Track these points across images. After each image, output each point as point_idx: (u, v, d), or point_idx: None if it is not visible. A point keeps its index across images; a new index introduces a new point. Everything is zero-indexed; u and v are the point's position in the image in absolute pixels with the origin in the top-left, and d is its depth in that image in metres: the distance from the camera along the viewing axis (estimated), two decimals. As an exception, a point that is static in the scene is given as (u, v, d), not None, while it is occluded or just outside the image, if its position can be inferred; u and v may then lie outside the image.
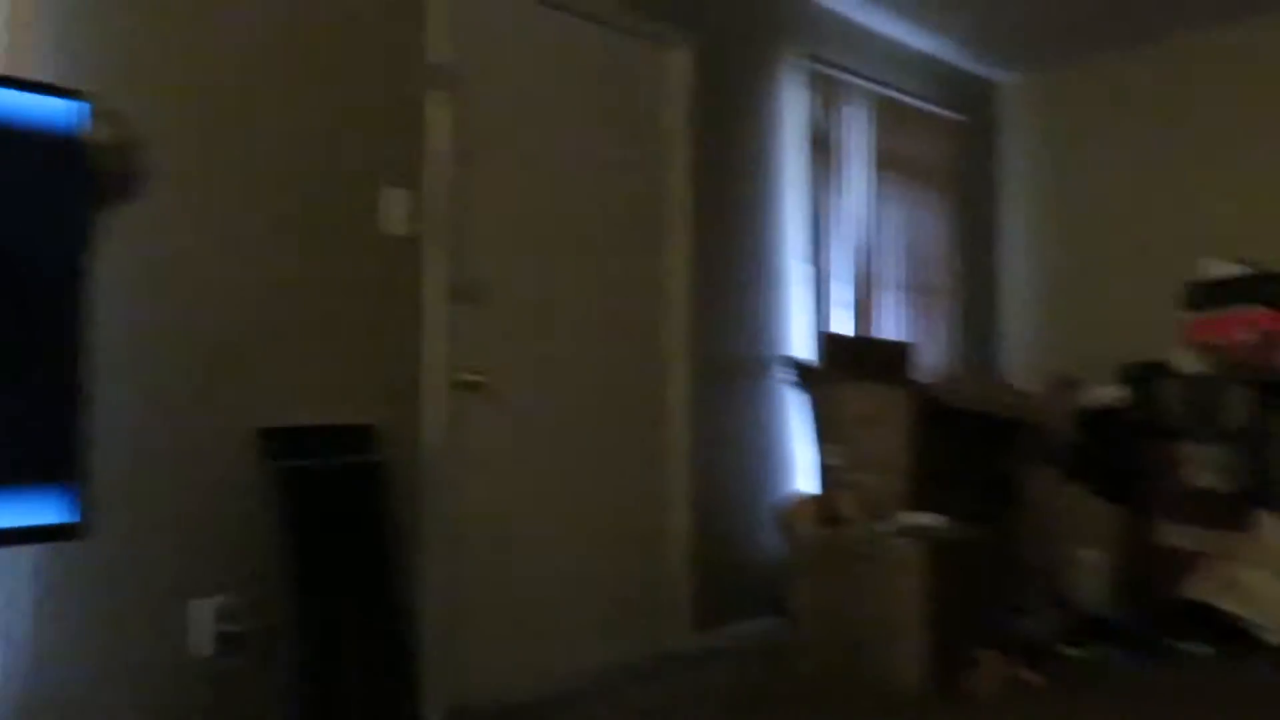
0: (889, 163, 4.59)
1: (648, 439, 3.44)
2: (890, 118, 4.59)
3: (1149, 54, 4.75)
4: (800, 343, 4.06)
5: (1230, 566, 3.40)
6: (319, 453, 2.46)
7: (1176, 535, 3.63)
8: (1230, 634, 3.28)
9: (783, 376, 3.95)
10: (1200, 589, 3.40)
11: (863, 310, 4.41)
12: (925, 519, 3.26)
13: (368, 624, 2.38)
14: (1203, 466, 3.62)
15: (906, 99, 4.65)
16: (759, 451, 3.86)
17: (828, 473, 3.68)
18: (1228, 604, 3.31)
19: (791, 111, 4.07)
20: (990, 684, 2.83)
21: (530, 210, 3.10)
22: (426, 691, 2.68)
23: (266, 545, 2.36)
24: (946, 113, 4.90)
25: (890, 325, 4.56)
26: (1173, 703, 2.72)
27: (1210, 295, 4.07)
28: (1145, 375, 4.19)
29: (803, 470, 3.97)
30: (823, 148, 4.21)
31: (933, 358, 4.78)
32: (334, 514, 2.41)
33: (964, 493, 3.90)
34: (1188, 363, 3.95)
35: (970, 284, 5.03)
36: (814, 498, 3.66)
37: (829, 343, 4.08)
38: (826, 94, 4.23)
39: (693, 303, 3.59)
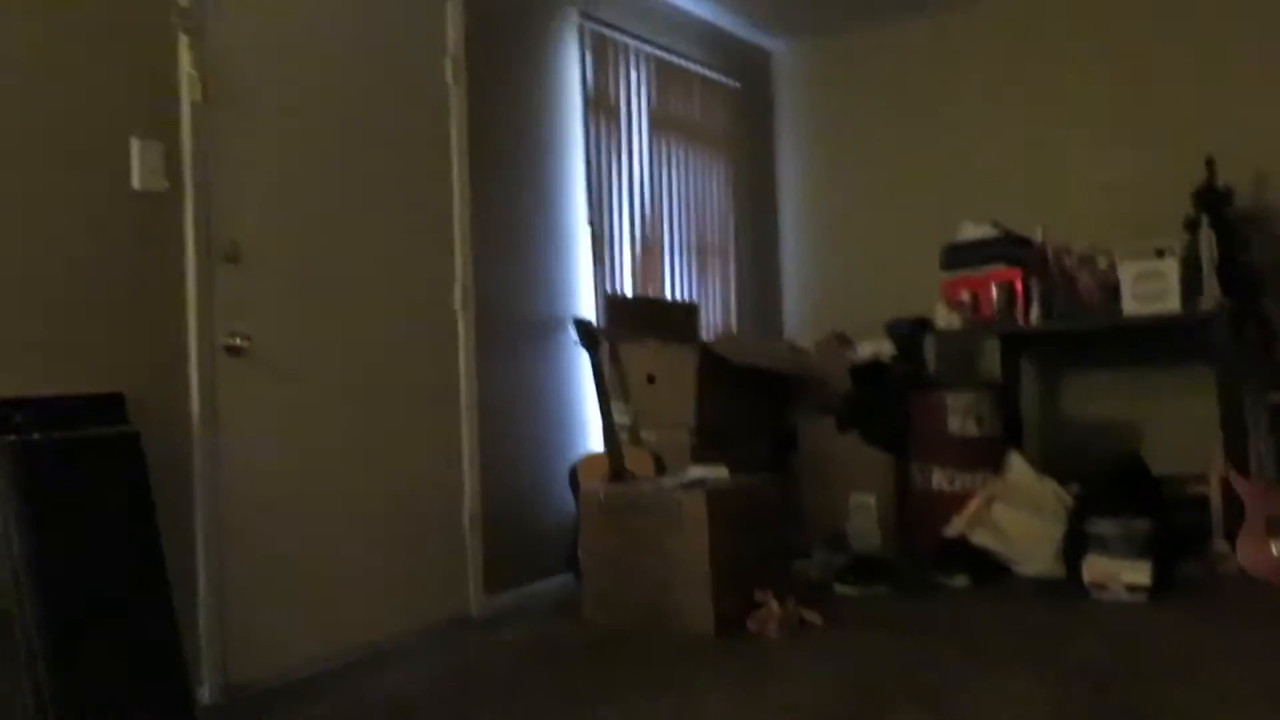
0: (669, 125, 4.63)
1: (433, 403, 3.32)
2: (669, 81, 4.63)
3: (918, 25, 5.02)
4: (586, 303, 4.04)
5: (985, 505, 3.66)
6: (57, 425, 2.21)
7: (940, 478, 3.88)
8: (987, 567, 3.53)
9: (570, 337, 3.92)
10: (959, 527, 3.65)
11: (646, 271, 4.44)
12: (710, 471, 3.33)
13: (120, 605, 2.17)
14: (961, 414, 3.87)
15: (685, 63, 4.70)
16: (548, 412, 3.82)
17: (615, 431, 3.69)
18: (983, 539, 3.57)
19: (568, 69, 4.01)
20: (774, 625, 2.92)
21: (297, 166, 2.89)
22: (202, 671, 2.49)
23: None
24: (724, 78, 5.00)
25: (673, 286, 4.62)
26: (932, 631, 2.90)
27: (964, 256, 4.36)
28: (909, 331, 4.45)
29: (592, 429, 3.96)
30: (602, 108, 4.19)
31: (715, 317, 4.89)
32: (74, 490, 2.17)
33: (747, 445, 4.02)
34: (946, 319, 4.22)
35: (750, 245, 5.18)
36: (603, 455, 3.66)
37: (614, 303, 4.09)
38: (603, 54, 4.20)
39: (474, 263, 3.48)
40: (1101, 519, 3.28)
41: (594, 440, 3.94)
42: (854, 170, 5.22)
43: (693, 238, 4.76)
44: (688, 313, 4.49)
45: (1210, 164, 3.89)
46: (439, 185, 3.41)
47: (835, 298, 5.21)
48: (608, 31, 4.20)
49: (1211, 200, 3.83)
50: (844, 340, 4.56)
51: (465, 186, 3.46)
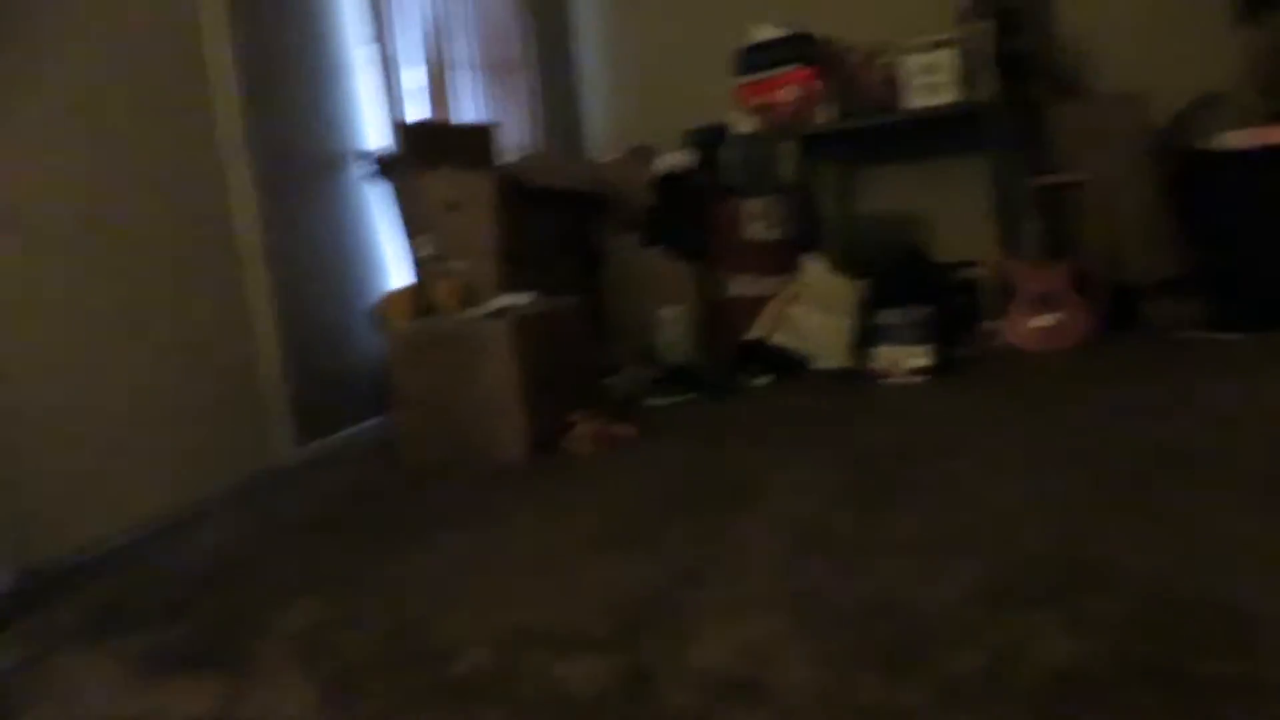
0: (449, -66, 4.32)
1: (215, 253, 3.13)
2: (444, -120, 4.29)
3: None
4: (375, 133, 3.84)
5: (783, 306, 3.82)
6: None
7: (742, 285, 4.00)
8: (787, 365, 3.72)
9: (361, 170, 3.74)
10: (760, 330, 3.80)
11: (437, 94, 4.24)
12: (516, 299, 3.31)
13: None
14: (758, 219, 3.96)
15: None
16: (344, 252, 3.68)
17: (419, 264, 3.60)
18: (782, 340, 3.74)
19: None
20: (588, 443, 3.01)
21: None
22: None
23: None
24: (502, -124, 4.67)
25: (468, 108, 4.44)
26: (734, 431, 3.07)
27: (758, 59, 4.35)
28: (708, 139, 4.46)
29: (394, 264, 3.86)
30: (372, -86, 3.86)
31: (514, 138, 4.76)
32: None
33: (555, 268, 4.01)
34: (742, 124, 4.24)
35: (546, 61, 5.00)
36: (407, 290, 3.58)
37: (405, 130, 3.89)
38: None
39: (245, 97, 3.23)
40: (887, 310, 3.48)
41: (394, 275, 3.84)
42: (645, -27, 5.05)
43: (484, 54, 4.55)
44: (486, 135, 4.34)
45: (984, -48, 3.95)
46: (193, 9, 3.09)
47: (636, 111, 5.14)
48: None
49: (988, -12, 3.92)
50: (646, 153, 4.53)
51: (225, 11, 3.16)
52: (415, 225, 3.76)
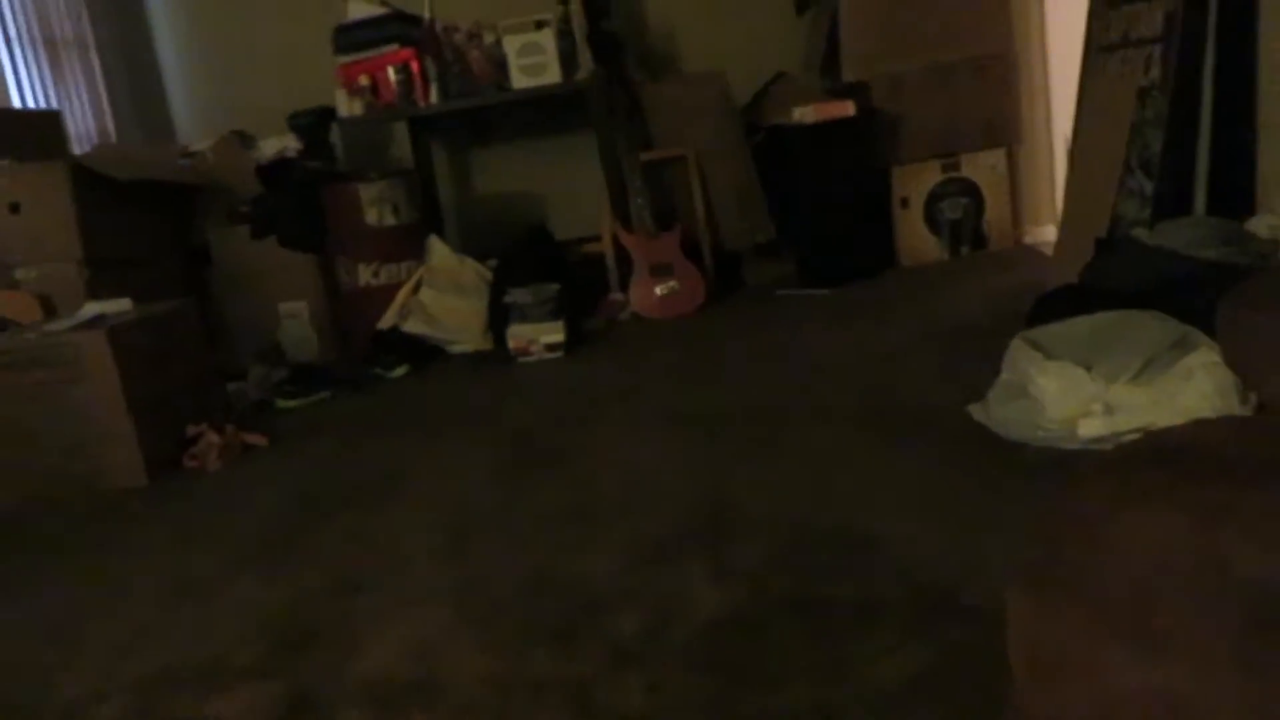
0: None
1: None
2: None
3: None
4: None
5: (412, 293, 3.74)
6: None
7: (366, 273, 3.85)
8: (423, 353, 3.64)
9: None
10: (390, 319, 3.69)
11: (-20, 76, 3.64)
12: (109, 306, 2.95)
13: None
14: (376, 204, 3.83)
15: None
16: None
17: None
18: (415, 327, 3.66)
19: None
20: (214, 456, 2.76)
21: None
22: None
23: None
24: None
25: (21, 91, 3.86)
26: (375, 425, 2.97)
27: (357, 37, 4.18)
28: (313, 122, 4.24)
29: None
30: None
31: (86, 124, 4.22)
32: None
33: (154, 269, 3.62)
34: (348, 106, 4.07)
35: (116, 37, 4.46)
36: (-35, 309, 3.07)
37: (-59, 120, 3.32)
38: None
39: None
40: (517, 289, 3.52)
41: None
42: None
43: (35, 30, 3.97)
44: (48, 122, 3.81)
45: (572, -65, 4.08)
46: None
47: (230, 93, 4.73)
48: None
49: (575, -31, 4.05)
50: (245, 139, 4.21)
51: None
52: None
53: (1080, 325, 2.10)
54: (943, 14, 3.86)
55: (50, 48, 4.04)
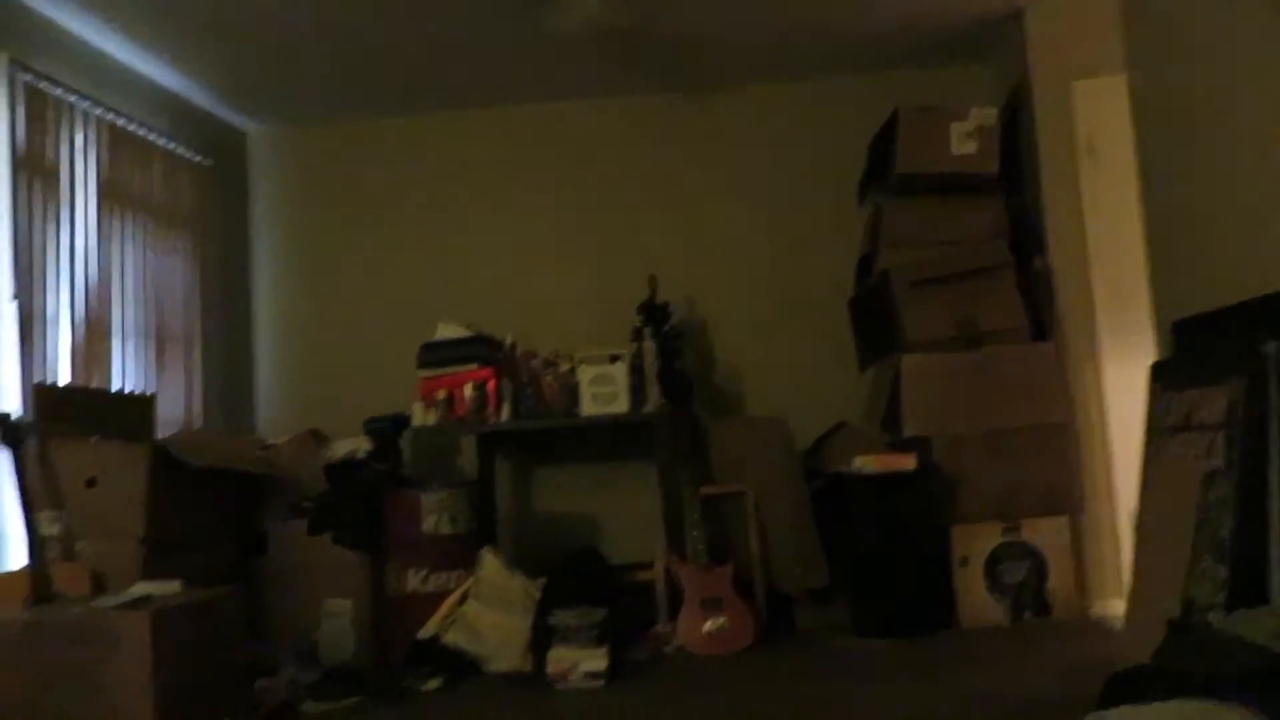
0: (124, 199, 4.16)
1: None
2: (126, 151, 4.18)
3: (397, 120, 5.09)
4: (7, 394, 3.43)
5: (457, 604, 3.68)
6: None
7: (415, 579, 3.83)
8: (460, 667, 3.53)
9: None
10: (432, 628, 3.62)
11: (91, 357, 3.90)
12: (158, 587, 2.94)
13: None
14: (435, 512, 3.88)
15: (144, 132, 4.28)
16: (-56, 527, 3.14)
17: (43, 544, 3.13)
18: (455, 639, 3.57)
19: (-4, 119, 3.45)
20: (228, 760, 2.62)
21: None
22: None
23: None
24: (192, 154, 4.64)
25: (125, 375, 4.11)
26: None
27: (440, 355, 4.45)
28: (386, 428, 4.40)
29: (12, 543, 3.33)
30: (38, 171, 3.65)
31: (176, 410, 4.43)
32: None
33: (208, 553, 3.64)
34: (422, 416, 4.25)
35: (219, 334, 4.80)
36: (22, 574, 3.07)
37: (44, 394, 3.51)
38: (40, 110, 3.67)
39: None
40: (562, 610, 3.45)
41: (15, 556, 3.31)
42: (333, 263, 5.11)
43: (150, 322, 4.29)
44: (141, 406, 4.01)
45: (652, 282, 4.41)
46: None
47: (312, 394, 5.00)
48: (47, 86, 3.69)
49: (653, 313, 4.34)
50: (319, 438, 4.38)
51: None
52: (43, 499, 3.31)
53: (1163, 713, 1.97)
54: (1001, 382, 4.00)
55: (159, 341, 4.35)
